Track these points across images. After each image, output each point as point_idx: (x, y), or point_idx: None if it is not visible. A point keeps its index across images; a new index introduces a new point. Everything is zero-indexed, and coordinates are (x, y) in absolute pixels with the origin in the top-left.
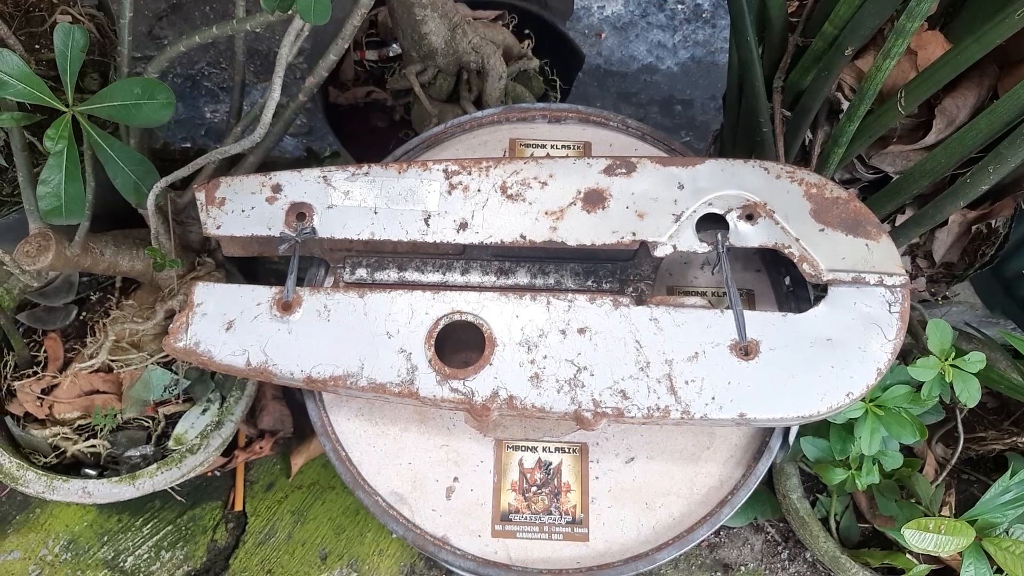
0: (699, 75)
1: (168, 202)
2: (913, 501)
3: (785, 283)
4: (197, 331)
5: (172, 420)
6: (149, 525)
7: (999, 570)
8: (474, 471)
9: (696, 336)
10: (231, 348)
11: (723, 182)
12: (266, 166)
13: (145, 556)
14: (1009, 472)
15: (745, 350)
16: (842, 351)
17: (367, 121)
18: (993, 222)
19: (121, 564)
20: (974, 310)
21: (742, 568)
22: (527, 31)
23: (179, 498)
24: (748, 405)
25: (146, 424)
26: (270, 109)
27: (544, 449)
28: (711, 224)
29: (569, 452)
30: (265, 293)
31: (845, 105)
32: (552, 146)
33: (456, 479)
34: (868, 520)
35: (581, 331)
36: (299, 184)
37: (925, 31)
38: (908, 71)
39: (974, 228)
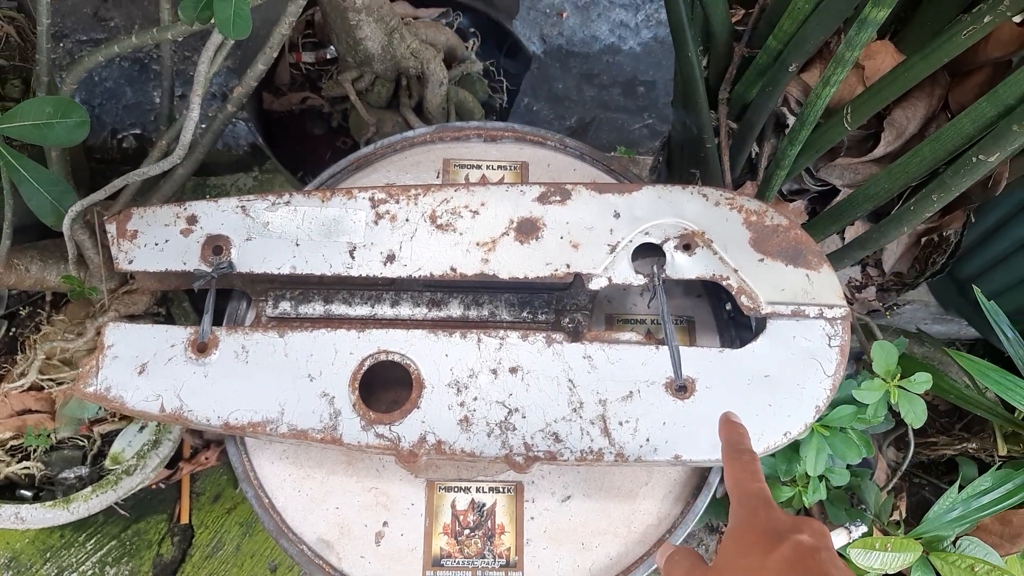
0: (662, 55)
1: (95, 216)
2: (863, 508)
3: (726, 309)
4: (108, 375)
5: (108, 439)
6: (93, 540)
7: None
8: (404, 515)
9: (631, 374)
10: (144, 393)
11: (660, 210)
12: (205, 167)
13: (89, 573)
14: (957, 485)
15: (681, 388)
16: (780, 388)
17: (303, 128)
18: (944, 232)
19: None
20: (927, 307)
21: None
22: (472, 30)
23: (123, 512)
24: (684, 446)
25: (81, 444)
26: (189, 130)
27: (477, 489)
28: (648, 253)
29: (504, 492)
30: (179, 334)
31: (791, 120)
32: (488, 166)
33: (386, 523)
34: None
35: (513, 370)
36: (216, 215)
37: (874, 41)
38: (855, 85)
39: (924, 239)
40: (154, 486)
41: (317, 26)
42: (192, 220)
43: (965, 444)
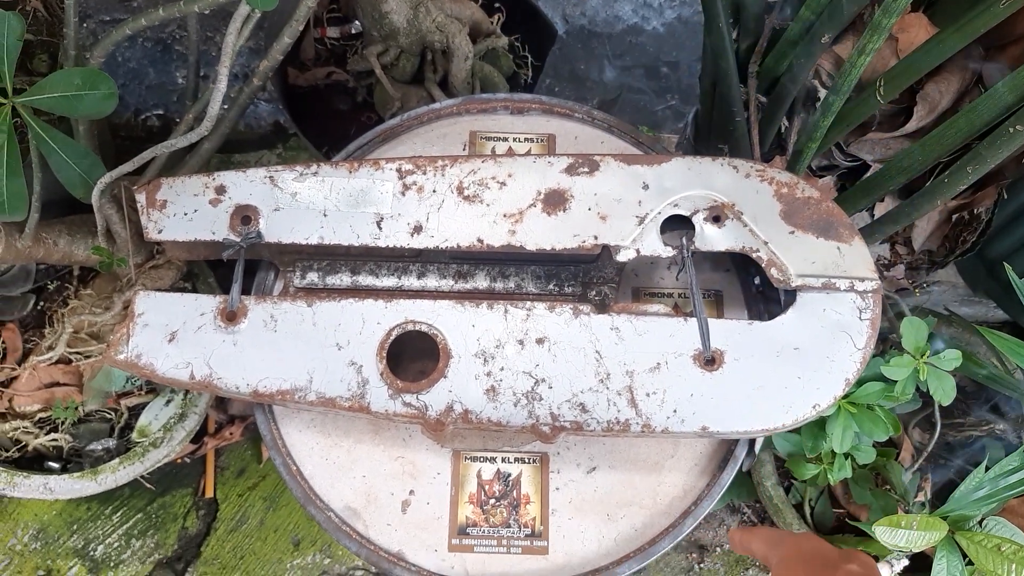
0: (686, 36)
1: (123, 190)
2: (887, 489)
3: (755, 283)
4: (139, 343)
5: (135, 412)
6: (119, 513)
7: (971, 562)
8: (430, 484)
9: (658, 346)
10: (174, 361)
11: (689, 182)
12: (230, 144)
13: (115, 545)
14: (984, 465)
15: (709, 360)
16: (809, 361)
17: (328, 103)
18: (975, 209)
19: (91, 553)
20: (956, 289)
21: (718, 549)
22: (497, 4)
23: (149, 486)
24: (711, 418)
25: (109, 416)
26: (216, 102)
27: (503, 460)
28: (677, 225)
29: (529, 463)
30: (209, 303)
31: (822, 93)
32: (515, 139)
33: (412, 492)
34: (843, 506)
35: (539, 341)
36: (244, 185)
37: (908, 13)
38: (888, 58)
39: (955, 216)
40: (179, 460)
41: (342, 0)
42: (221, 190)
43: (992, 425)
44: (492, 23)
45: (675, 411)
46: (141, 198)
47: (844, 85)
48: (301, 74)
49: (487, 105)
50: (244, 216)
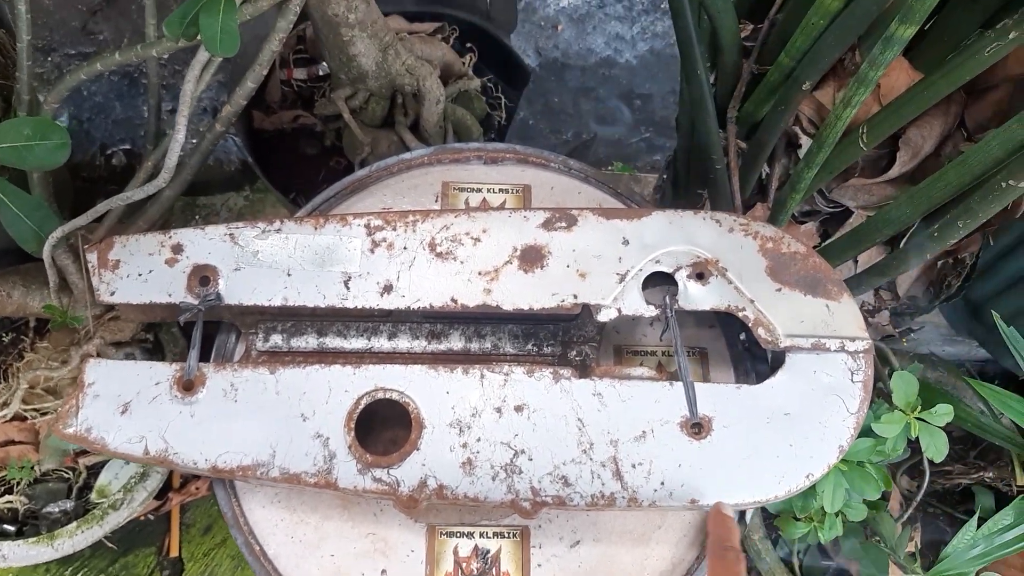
0: (658, 68)
1: (79, 239)
2: (877, 541)
3: (741, 340)
4: (89, 415)
5: (95, 471)
6: (79, 575)
7: None
8: (403, 562)
9: (644, 413)
10: (127, 434)
11: (671, 237)
12: (195, 185)
13: None
14: (977, 518)
15: (696, 428)
16: (801, 427)
17: (295, 147)
18: (960, 254)
19: None
20: (938, 328)
21: None
22: (469, 44)
23: (111, 545)
24: (700, 490)
25: (66, 476)
26: (175, 152)
27: (481, 535)
28: (659, 282)
29: (509, 537)
30: (164, 371)
31: (804, 140)
32: (489, 189)
33: (384, 571)
34: (832, 558)
35: (518, 409)
36: (202, 243)
37: None
38: (871, 104)
39: (939, 262)
40: (142, 517)
41: (309, 41)
42: (177, 249)
43: (981, 473)
44: (464, 64)
45: (663, 483)
46: (92, 258)
47: (828, 137)
48: (267, 117)
49: (460, 155)
50: (203, 277)
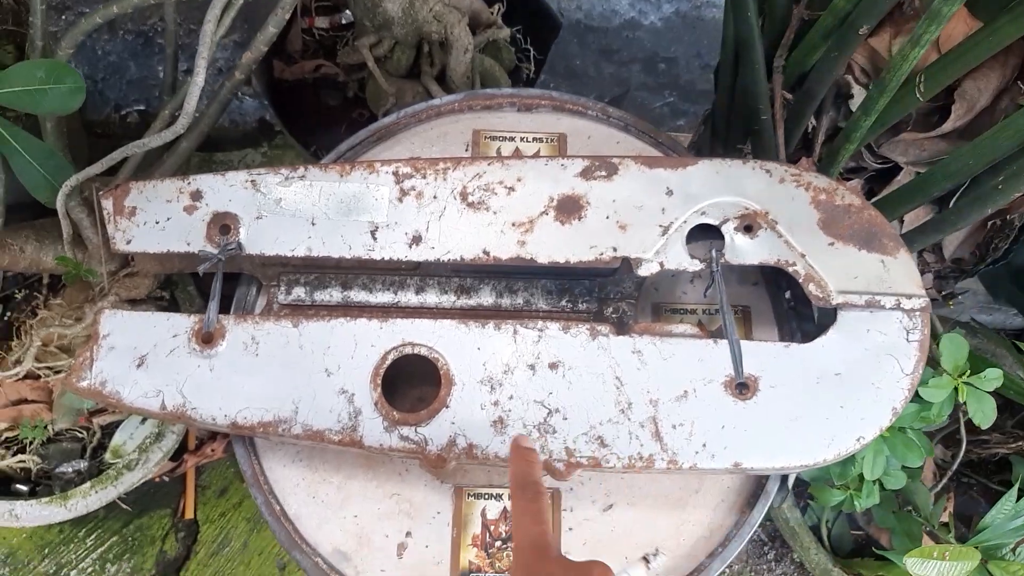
0: (683, 31)
1: (94, 192)
2: (909, 510)
3: (786, 298)
4: (103, 368)
5: (109, 430)
6: (93, 536)
7: None
8: (429, 524)
9: (686, 372)
10: (143, 388)
11: (718, 187)
12: (211, 142)
13: (89, 570)
14: (1017, 489)
15: (742, 388)
16: (853, 388)
17: (317, 98)
18: (1008, 215)
19: None
20: (975, 296)
21: (726, 570)
22: None
23: (125, 506)
24: (744, 453)
25: (80, 436)
26: (194, 96)
27: (511, 496)
28: (703, 235)
29: None
30: (183, 322)
31: (855, 89)
32: (522, 138)
33: (409, 534)
34: (862, 527)
35: (553, 366)
36: (223, 190)
37: None
38: (928, 52)
39: (989, 222)
40: (157, 479)
41: None
42: (197, 196)
43: (1020, 443)
44: (492, 13)
45: (704, 445)
46: (108, 204)
47: (892, 81)
48: (288, 68)
49: (492, 101)
50: (223, 225)
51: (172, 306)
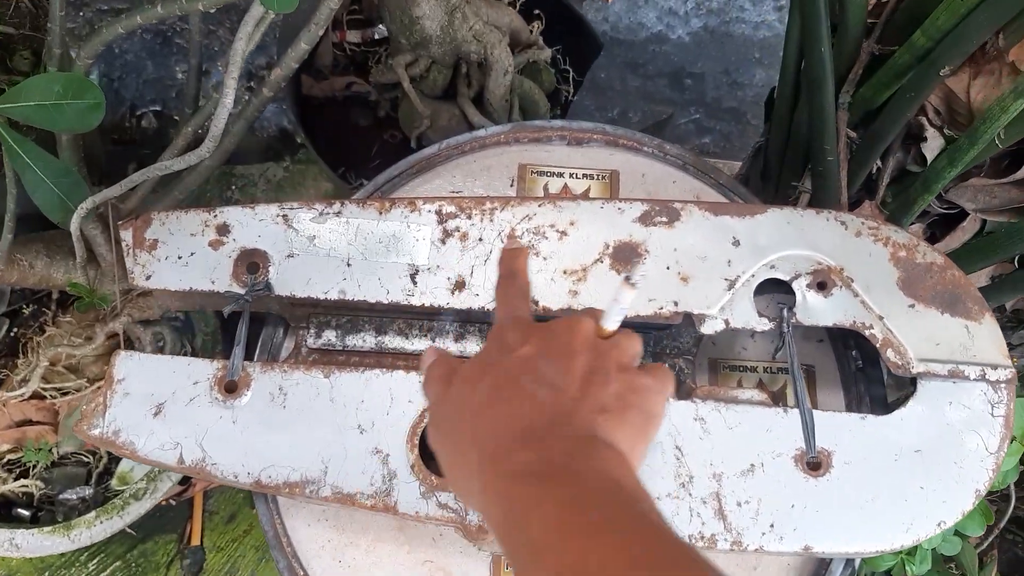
0: (711, 46)
1: (108, 208)
2: (953, 569)
3: (853, 358)
4: (118, 415)
5: (116, 456)
6: (95, 560)
7: None
8: None
9: (753, 443)
10: (160, 440)
11: (789, 239)
12: (231, 154)
13: None
14: None
15: (814, 464)
16: (934, 467)
17: (347, 118)
18: None
19: None
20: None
21: None
22: (536, 11)
23: (129, 530)
24: (815, 535)
25: (86, 460)
26: (222, 119)
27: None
28: (771, 290)
29: None
30: (204, 369)
31: (929, 132)
32: (571, 175)
33: None
34: None
35: None
36: (252, 225)
37: None
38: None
39: None
40: (164, 503)
41: (365, 1)
42: (223, 230)
43: None
44: (532, 32)
45: (772, 526)
46: (127, 236)
47: (986, 132)
48: (317, 83)
49: (540, 134)
50: (251, 263)
51: (186, 327)
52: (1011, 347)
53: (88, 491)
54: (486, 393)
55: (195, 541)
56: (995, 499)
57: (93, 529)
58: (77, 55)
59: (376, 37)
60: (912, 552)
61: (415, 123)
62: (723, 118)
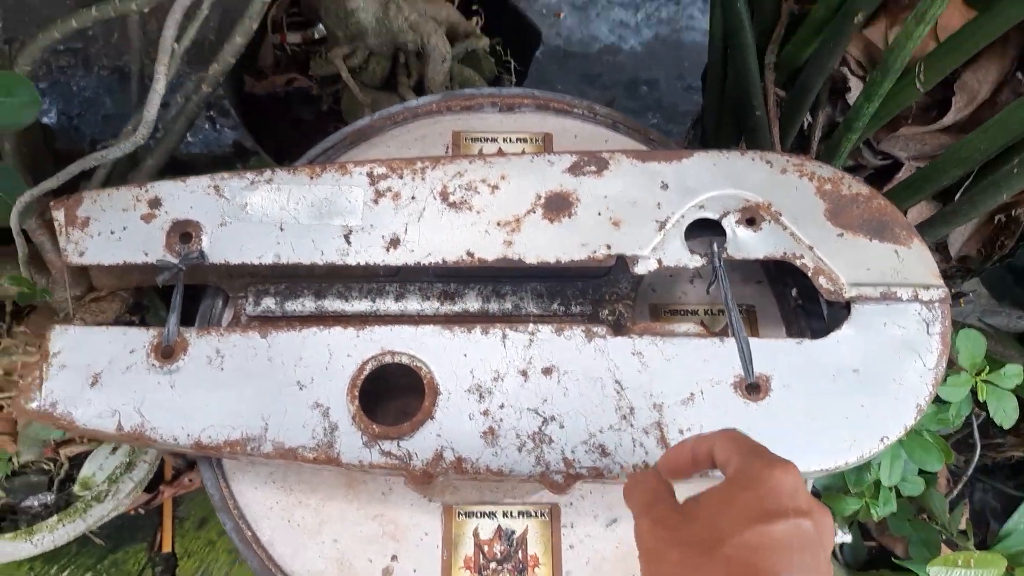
0: (664, 54)
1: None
2: (925, 518)
3: (792, 296)
4: (54, 388)
5: (77, 462)
6: (66, 573)
7: None
8: (417, 546)
9: (691, 373)
10: (97, 408)
11: (716, 179)
12: (183, 167)
13: None
14: None
15: (753, 388)
16: (873, 385)
17: (289, 113)
18: (1013, 211)
19: None
20: (978, 299)
21: None
22: (475, 7)
23: (98, 541)
24: None
25: (47, 468)
26: (154, 104)
27: (505, 514)
28: (702, 231)
29: (536, 516)
30: (140, 337)
31: (852, 82)
32: (505, 139)
33: (394, 558)
34: (875, 538)
35: (547, 371)
36: (183, 196)
37: None
38: (926, 42)
39: (996, 218)
40: (132, 511)
41: (303, 3)
42: (155, 203)
43: None
44: (471, 25)
45: None
46: (59, 215)
47: (896, 62)
48: (258, 82)
49: (472, 102)
50: (183, 233)
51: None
52: (962, 295)
53: (50, 498)
54: None
55: (166, 548)
56: (962, 449)
57: (56, 533)
58: (16, 63)
59: (316, 36)
60: (876, 494)
61: (358, 113)
62: (681, 121)
